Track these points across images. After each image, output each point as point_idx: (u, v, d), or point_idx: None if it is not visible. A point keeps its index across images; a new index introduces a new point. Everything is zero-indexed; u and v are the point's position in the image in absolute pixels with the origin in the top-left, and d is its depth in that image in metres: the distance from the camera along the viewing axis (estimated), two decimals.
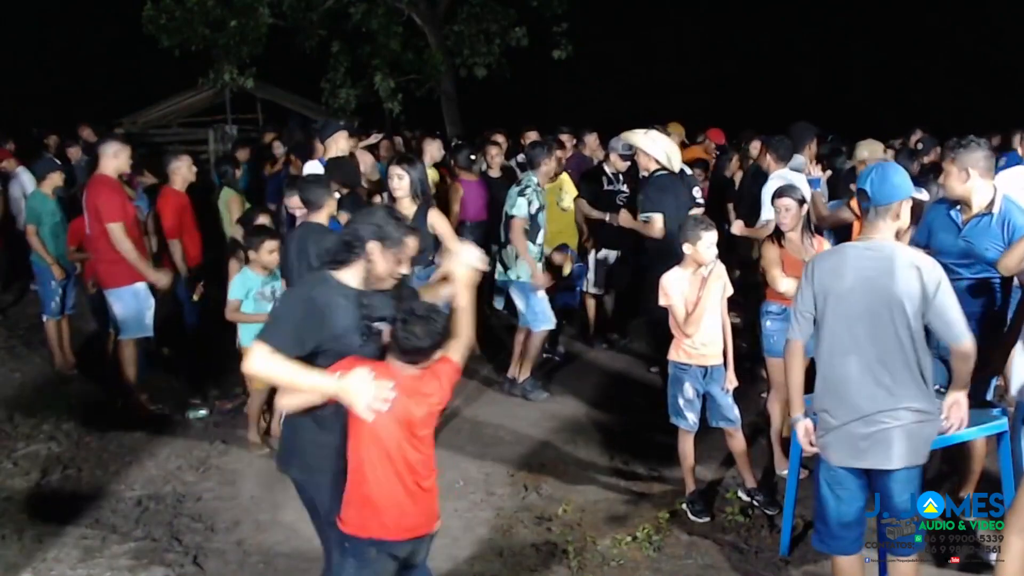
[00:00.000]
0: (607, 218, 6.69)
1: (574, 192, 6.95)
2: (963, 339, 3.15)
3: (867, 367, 3.15)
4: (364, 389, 2.75)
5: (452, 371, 3.02)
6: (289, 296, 3.16)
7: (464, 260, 3.20)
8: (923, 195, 3.46)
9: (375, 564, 2.91)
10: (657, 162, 5.83)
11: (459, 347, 3.06)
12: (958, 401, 3.31)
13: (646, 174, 6.01)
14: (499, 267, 6.17)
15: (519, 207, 5.93)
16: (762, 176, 6.15)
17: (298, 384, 2.86)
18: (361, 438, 2.85)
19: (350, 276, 3.00)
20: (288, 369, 2.82)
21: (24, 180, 8.36)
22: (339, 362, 2.85)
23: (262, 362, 2.82)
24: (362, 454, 2.86)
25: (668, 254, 5.54)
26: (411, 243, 3.05)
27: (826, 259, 3.35)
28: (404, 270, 3.06)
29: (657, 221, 5.75)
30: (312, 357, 2.89)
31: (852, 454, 3.21)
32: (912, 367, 3.13)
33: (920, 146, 7.05)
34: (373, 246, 2.97)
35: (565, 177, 6.99)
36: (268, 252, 5.30)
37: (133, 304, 5.80)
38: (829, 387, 3.27)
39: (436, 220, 5.32)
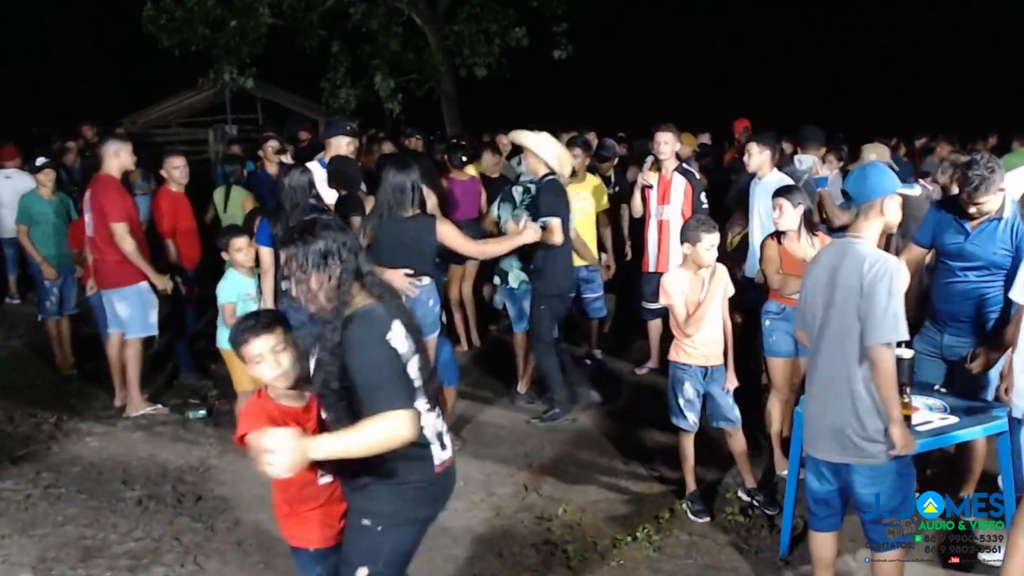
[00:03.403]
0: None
1: (599, 201, 6.56)
2: (875, 339, 3.05)
3: (826, 361, 3.28)
4: None
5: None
6: None
7: None
8: (914, 191, 3.48)
9: None
10: (547, 165, 5.55)
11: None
12: (894, 433, 3.11)
13: (534, 177, 5.65)
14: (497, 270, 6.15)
15: (492, 209, 6.03)
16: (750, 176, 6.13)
17: None
18: None
19: None
20: None
21: None
22: None
23: None
24: None
25: (562, 262, 5.57)
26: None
27: (819, 252, 3.54)
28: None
29: (557, 226, 5.43)
30: None
31: (811, 444, 3.38)
32: (860, 367, 3.14)
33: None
34: None
35: (595, 183, 6.66)
36: (236, 250, 5.17)
37: (138, 303, 5.80)
38: (808, 375, 3.48)
39: None
